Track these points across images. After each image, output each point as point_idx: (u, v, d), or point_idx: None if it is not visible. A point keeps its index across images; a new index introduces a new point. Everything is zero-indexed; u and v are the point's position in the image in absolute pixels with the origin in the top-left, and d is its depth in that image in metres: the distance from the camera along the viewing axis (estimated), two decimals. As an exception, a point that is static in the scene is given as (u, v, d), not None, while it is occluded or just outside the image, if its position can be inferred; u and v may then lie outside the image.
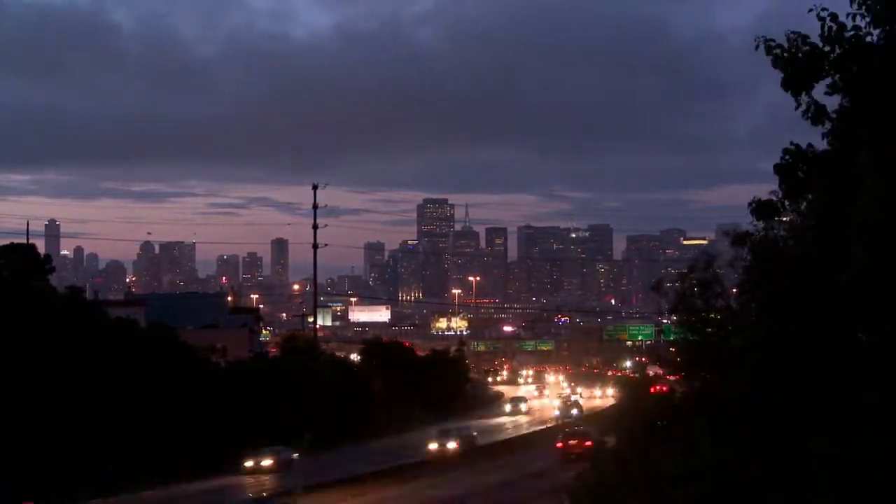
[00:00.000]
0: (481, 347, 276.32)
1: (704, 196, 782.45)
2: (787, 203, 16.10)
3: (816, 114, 14.34)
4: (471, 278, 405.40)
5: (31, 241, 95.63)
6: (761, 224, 17.99)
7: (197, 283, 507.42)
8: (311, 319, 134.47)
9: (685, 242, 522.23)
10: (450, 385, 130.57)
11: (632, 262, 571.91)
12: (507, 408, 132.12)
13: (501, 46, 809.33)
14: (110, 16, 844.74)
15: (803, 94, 14.26)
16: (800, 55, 14.13)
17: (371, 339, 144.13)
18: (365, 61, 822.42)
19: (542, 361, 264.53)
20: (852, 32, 13.82)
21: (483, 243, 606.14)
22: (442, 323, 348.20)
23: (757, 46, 14.39)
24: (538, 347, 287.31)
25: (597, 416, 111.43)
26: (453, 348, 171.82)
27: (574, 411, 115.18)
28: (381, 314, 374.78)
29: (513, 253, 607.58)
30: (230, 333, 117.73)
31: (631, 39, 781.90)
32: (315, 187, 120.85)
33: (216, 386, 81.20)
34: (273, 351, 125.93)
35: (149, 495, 63.42)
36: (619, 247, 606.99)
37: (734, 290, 23.23)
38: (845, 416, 14.62)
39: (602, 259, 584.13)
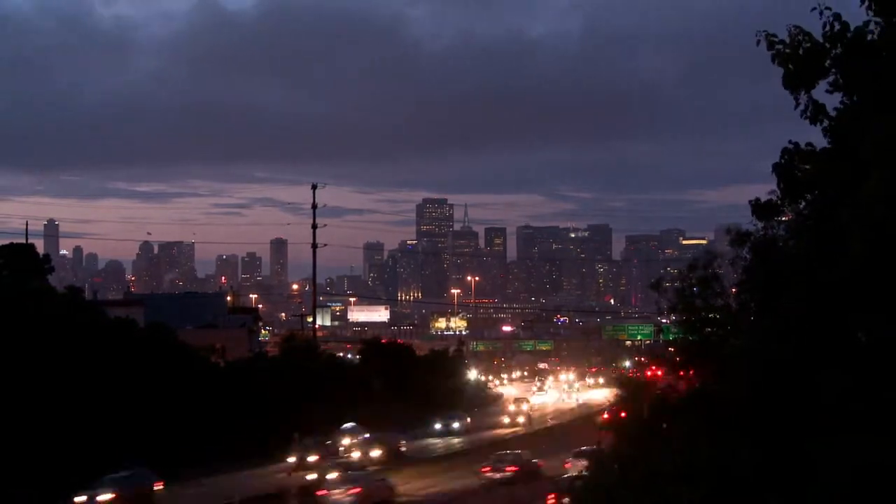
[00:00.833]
0: (480, 347, 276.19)
1: (707, 196, 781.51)
2: (786, 202, 16.06)
3: (815, 113, 14.31)
4: (470, 278, 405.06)
5: (30, 241, 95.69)
6: (761, 224, 17.97)
7: (196, 283, 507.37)
8: (310, 319, 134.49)
9: (684, 242, 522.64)
10: (449, 385, 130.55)
11: (631, 262, 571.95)
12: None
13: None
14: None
15: (802, 92, 14.22)
16: (800, 52, 14.07)
17: (370, 339, 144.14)
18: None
19: (541, 361, 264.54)
20: (854, 32, 13.79)
21: (482, 243, 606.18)
22: (441, 323, 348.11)
23: (758, 42, 14.30)
24: (537, 347, 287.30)
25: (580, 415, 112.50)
26: (452, 348, 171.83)
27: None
28: (381, 314, 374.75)
29: (512, 253, 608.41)
30: (229, 333, 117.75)
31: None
32: (314, 187, 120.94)
33: (214, 386, 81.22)
34: (272, 351, 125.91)
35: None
36: (618, 247, 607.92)
37: (734, 290, 23.20)
38: (845, 416, 14.60)
39: (601, 259, 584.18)
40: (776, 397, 16.81)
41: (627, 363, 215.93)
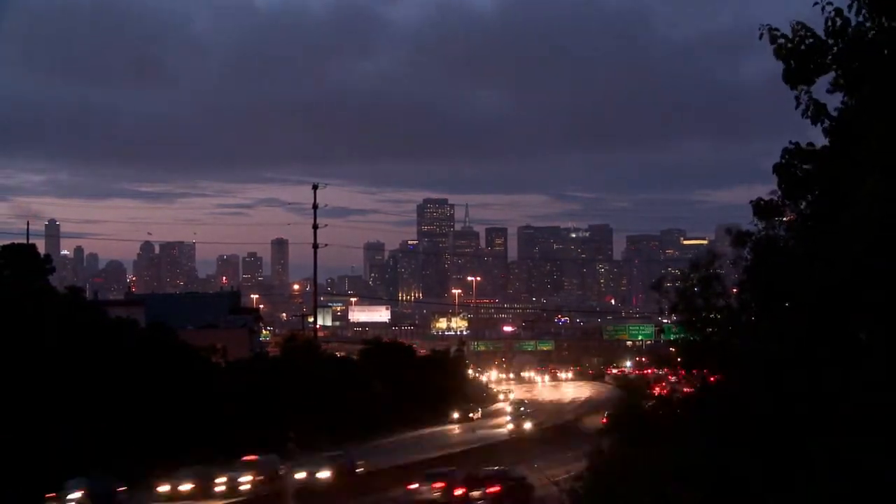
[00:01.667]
0: (481, 347, 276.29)
1: (712, 196, 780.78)
2: (787, 203, 16.04)
3: (815, 112, 14.29)
4: (471, 278, 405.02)
5: (31, 241, 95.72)
6: (762, 224, 17.96)
7: (197, 283, 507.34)
8: (311, 319, 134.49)
9: (685, 242, 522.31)
10: (449, 385, 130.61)
11: (632, 262, 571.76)
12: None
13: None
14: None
15: (802, 92, 14.19)
16: (802, 48, 14.05)
17: (371, 339, 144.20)
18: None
19: (543, 361, 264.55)
20: (854, 28, 13.76)
21: (483, 243, 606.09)
22: (442, 323, 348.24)
23: (761, 36, 14.29)
24: (538, 347, 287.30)
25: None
26: (453, 348, 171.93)
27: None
28: (381, 314, 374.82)
29: (513, 253, 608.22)
30: (230, 333, 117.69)
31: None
32: (315, 187, 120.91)
33: (214, 386, 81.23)
34: (273, 351, 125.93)
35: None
36: (619, 247, 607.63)
37: (734, 290, 23.21)
38: (845, 415, 14.60)
39: (602, 259, 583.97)
40: (776, 397, 16.81)
41: (628, 363, 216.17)
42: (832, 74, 14.31)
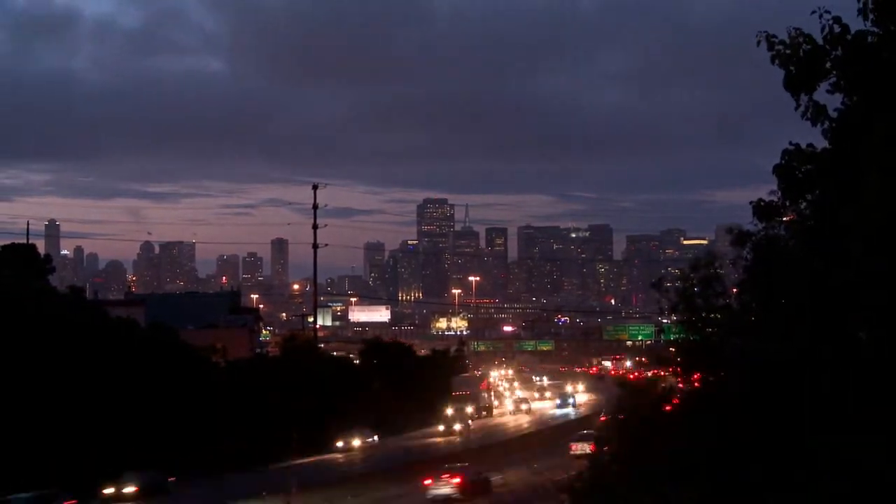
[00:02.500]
0: (481, 347, 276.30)
1: (715, 196, 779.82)
2: (787, 204, 16.05)
3: (816, 114, 14.31)
4: (471, 278, 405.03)
5: (31, 242, 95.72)
6: (761, 224, 17.97)
7: (197, 283, 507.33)
8: (311, 319, 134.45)
9: (685, 242, 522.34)
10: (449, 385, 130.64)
11: (632, 262, 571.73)
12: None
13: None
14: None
15: (803, 94, 14.22)
16: (801, 53, 14.07)
17: (371, 339, 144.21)
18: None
19: (543, 361, 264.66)
20: (855, 34, 13.80)
21: (483, 243, 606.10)
22: (442, 323, 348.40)
23: (759, 42, 14.30)
24: (538, 347, 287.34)
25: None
26: (453, 348, 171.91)
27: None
28: (381, 314, 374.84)
29: (513, 253, 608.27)
30: (230, 333, 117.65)
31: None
32: (315, 187, 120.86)
33: (215, 386, 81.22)
34: (273, 351, 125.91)
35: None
36: (619, 247, 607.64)
37: (734, 290, 23.23)
38: (845, 415, 14.62)
39: (602, 259, 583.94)
40: (777, 397, 16.84)
41: (628, 363, 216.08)
42: (832, 78, 14.33)
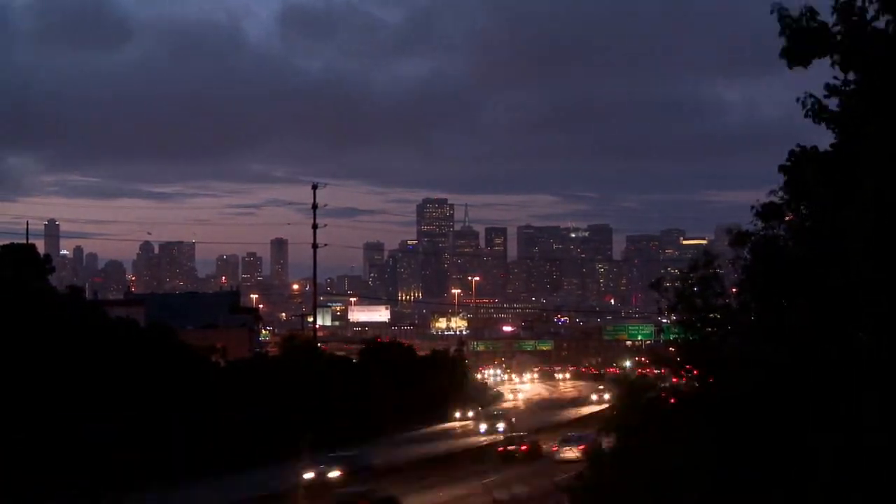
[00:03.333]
0: (481, 347, 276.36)
1: (718, 197, 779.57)
2: (790, 203, 16.10)
3: (818, 111, 14.35)
4: (470, 278, 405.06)
5: (30, 241, 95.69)
6: (761, 224, 17.99)
7: (197, 283, 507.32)
8: (310, 319, 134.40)
9: (685, 242, 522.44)
10: (449, 385, 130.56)
11: (631, 262, 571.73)
12: None
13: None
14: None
15: (807, 96, 14.24)
16: (805, 24, 14.25)
17: (371, 339, 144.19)
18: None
19: (542, 362, 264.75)
20: (858, 19, 13.88)
21: (483, 243, 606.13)
22: (441, 323, 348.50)
23: (772, 10, 14.54)
24: (538, 347, 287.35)
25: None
26: (453, 348, 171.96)
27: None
28: (381, 314, 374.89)
29: (513, 253, 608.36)
30: (230, 333, 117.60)
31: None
32: (315, 187, 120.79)
33: (215, 386, 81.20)
34: (273, 351, 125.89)
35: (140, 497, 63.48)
36: (618, 247, 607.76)
37: (734, 290, 23.23)
38: (845, 415, 14.62)
39: (602, 259, 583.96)
40: (776, 397, 16.84)
41: (628, 363, 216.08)
42: (832, 74, 14.39)
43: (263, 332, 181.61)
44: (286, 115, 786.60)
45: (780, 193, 16.10)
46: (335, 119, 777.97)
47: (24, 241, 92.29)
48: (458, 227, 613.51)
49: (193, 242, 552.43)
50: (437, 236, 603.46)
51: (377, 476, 65.38)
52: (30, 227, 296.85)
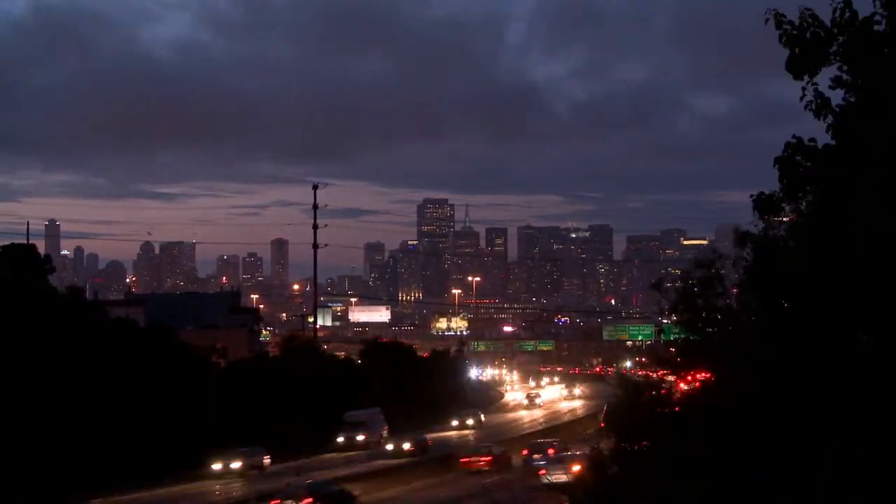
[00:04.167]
0: (482, 348, 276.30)
1: (722, 197, 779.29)
2: (787, 198, 15.93)
3: (820, 107, 14.17)
4: (471, 278, 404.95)
5: (31, 242, 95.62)
6: (762, 223, 17.90)
7: (197, 283, 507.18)
8: (311, 319, 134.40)
9: (685, 242, 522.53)
10: (450, 385, 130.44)
11: (632, 262, 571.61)
12: None
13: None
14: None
15: (805, 79, 14.05)
16: (808, 35, 13.88)
17: (371, 339, 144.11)
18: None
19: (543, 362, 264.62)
20: (862, 21, 13.67)
21: (483, 243, 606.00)
22: (442, 323, 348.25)
23: (767, 20, 14.09)
24: (538, 348, 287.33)
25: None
26: (453, 348, 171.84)
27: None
28: (381, 314, 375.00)
29: (513, 253, 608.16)
30: (230, 334, 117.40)
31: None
32: (315, 187, 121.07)
33: (214, 386, 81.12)
34: (273, 351, 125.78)
35: (139, 496, 63.41)
36: (619, 247, 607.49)
37: (735, 290, 23.17)
38: (846, 416, 14.57)
39: (602, 259, 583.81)
40: (777, 398, 16.78)
41: (628, 363, 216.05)
42: (835, 70, 14.22)
43: (264, 332, 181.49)
44: (286, 115, 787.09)
45: (779, 187, 15.93)
46: (340, 120, 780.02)
47: (25, 242, 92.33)
48: (458, 227, 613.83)
49: (194, 243, 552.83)
50: (437, 236, 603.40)
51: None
52: (30, 227, 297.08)
